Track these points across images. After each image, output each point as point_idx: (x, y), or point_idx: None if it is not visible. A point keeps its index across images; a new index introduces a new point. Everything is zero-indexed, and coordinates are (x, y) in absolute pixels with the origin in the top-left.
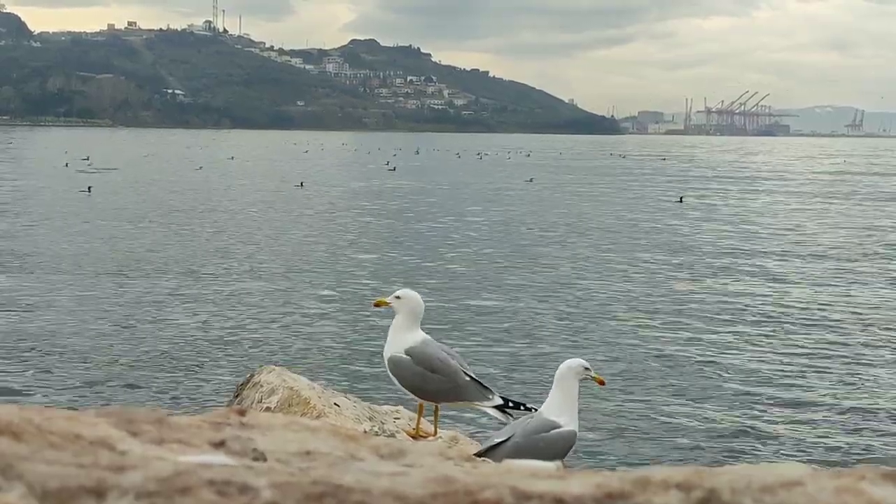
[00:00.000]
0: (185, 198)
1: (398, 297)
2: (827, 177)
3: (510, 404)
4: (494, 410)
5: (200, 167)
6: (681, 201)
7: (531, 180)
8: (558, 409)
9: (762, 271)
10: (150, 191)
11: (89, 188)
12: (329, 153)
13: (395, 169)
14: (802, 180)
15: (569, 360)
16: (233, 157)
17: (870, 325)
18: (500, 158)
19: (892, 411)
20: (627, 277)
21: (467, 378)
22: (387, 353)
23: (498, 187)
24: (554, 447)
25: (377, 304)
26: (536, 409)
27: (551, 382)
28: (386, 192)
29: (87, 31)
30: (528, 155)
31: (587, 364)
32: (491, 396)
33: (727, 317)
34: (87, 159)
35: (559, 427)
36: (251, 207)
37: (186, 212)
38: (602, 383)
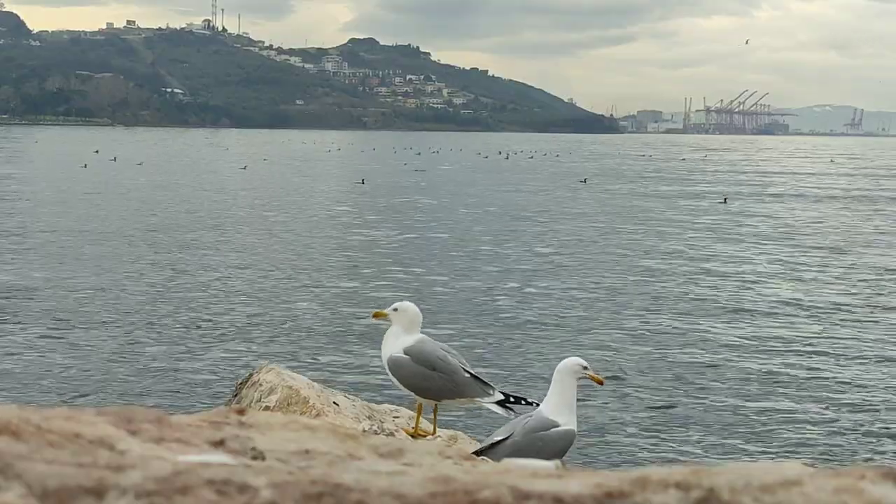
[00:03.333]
0: (245, 200)
1: (395, 310)
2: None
3: (511, 399)
4: (496, 406)
5: (245, 167)
6: (724, 202)
7: (585, 181)
8: (557, 408)
9: (770, 271)
10: (206, 191)
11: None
12: (348, 152)
13: (405, 164)
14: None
15: (567, 359)
16: (265, 159)
17: (872, 324)
18: (521, 158)
19: (893, 410)
20: (657, 277)
21: (467, 375)
22: (385, 354)
23: (549, 190)
24: (553, 446)
25: (375, 316)
26: (537, 404)
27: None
28: (430, 192)
29: (86, 30)
30: (558, 156)
31: (585, 363)
32: (491, 392)
33: (729, 316)
34: (115, 159)
35: (558, 426)
36: (318, 207)
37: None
38: (600, 383)
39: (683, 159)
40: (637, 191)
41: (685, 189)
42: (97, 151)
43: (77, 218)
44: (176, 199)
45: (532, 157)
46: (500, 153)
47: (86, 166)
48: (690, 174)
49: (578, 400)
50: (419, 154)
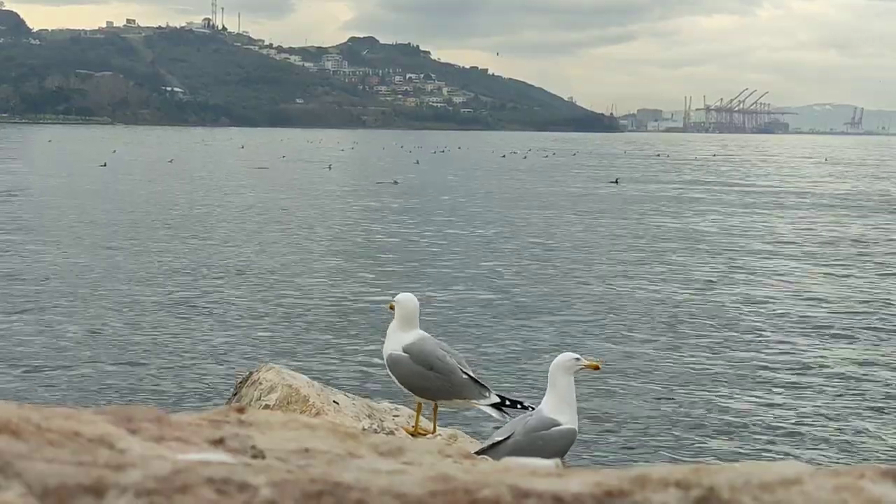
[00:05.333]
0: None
1: (396, 302)
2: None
3: (507, 402)
4: (491, 408)
5: (266, 167)
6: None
7: (616, 181)
8: (557, 406)
9: (774, 270)
10: (232, 190)
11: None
12: (361, 151)
13: (417, 162)
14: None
15: (559, 356)
16: (284, 156)
17: (871, 323)
18: (537, 157)
19: (893, 410)
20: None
21: (464, 376)
22: (386, 351)
23: (586, 191)
24: (553, 445)
25: (391, 307)
26: (533, 408)
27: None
28: (451, 192)
29: (86, 28)
30: (574, 154)
31: (577, 355)
32: (487, 394)
33: (729, 316)
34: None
35: (559, 425)
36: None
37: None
38: (597, 368)
39: (696, 159)
40: (670, 192)
41: (708, 188)
42: (115, 151)
43: (101, 217)
44: (204, 197)
45: (547, 156)
46: (514, 152)
47: (105, 164)
48: (708, 174)
49: (578, 399)
50: (434, 153)
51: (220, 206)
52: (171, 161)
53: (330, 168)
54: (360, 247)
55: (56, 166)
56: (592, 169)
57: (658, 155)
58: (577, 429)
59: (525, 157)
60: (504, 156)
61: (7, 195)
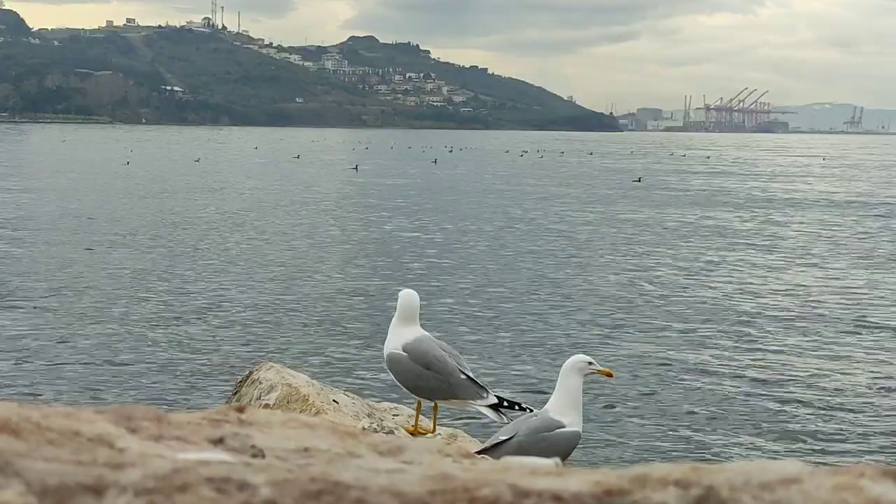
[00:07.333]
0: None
1: (398, 298)
2: None
3: (504, 403)
4: (488, 409)
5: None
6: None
7: (640, 180)
8: (562, 407)
9: (772, 270)
10: (256, 189)
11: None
12: (374, 151)
13: (435, 161)
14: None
15: (572, 357)
16: (298, 156)
17: (872, 323)
18: (552, 156)
19: (893, 409)
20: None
21: (462, 376)
22: (386, 350)
23: (613, 191)
24: (556, 447)
25: None
26: (531, 409)
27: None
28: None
29: (86, 27)
30: (591, 153)
31: (590, 359)
32: (485, 395)
33: (728, 316)
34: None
35: (563, 426)
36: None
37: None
38: (609, 375)
39: (708, 157)
40: (690, 190)
41: (721, 186)
42: (131, 151)
43: (114, 214)
44: (222, 197)
45: (562, 154)
46: (526, 151)
47: (128, 163)
48: (720, 172)
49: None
50: (450, 151)
51: (238, 207)
52: (197, 160)
53: (356, 169)
54: (366, 246)
55: (81, 166)
56: (610, 167)
57: (671, 154)
58: (581, 431)
59: (541, 157)
60: (521, 154)
61: (39, 191)
